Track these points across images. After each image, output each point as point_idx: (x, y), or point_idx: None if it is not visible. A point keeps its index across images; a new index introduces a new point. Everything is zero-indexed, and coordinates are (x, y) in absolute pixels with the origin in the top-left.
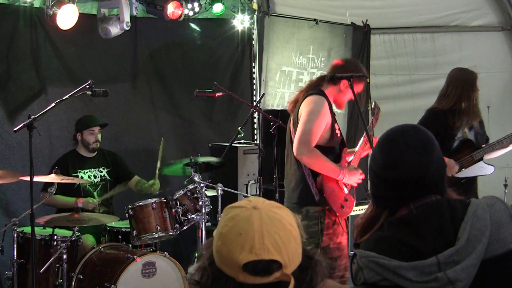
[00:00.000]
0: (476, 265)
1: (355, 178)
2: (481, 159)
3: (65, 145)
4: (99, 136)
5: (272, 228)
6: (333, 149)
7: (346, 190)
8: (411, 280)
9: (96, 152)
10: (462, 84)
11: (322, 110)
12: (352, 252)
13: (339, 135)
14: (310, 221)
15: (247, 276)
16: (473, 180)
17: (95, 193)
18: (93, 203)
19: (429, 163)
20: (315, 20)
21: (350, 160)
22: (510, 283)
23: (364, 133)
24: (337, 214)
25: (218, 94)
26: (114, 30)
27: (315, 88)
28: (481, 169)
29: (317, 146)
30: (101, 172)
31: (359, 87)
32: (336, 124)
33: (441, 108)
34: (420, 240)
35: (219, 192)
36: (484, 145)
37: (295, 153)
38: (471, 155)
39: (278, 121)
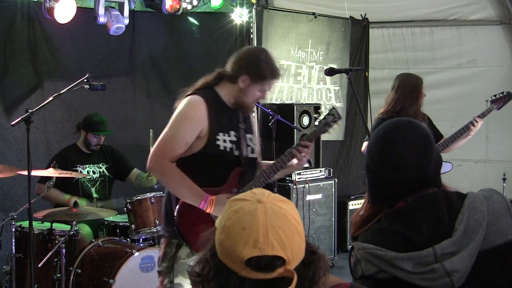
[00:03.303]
0: (473, 256)
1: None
2: None
3: (60, 140)
4: (102, 140)
5: (277, 223)
6: (209, 164)
7: None
8: (408, 271)
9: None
10: (408, 89)
11: (190, 113)
12: (351, 245)
13: (229, 149)
14: (169, 250)
15: (249, 271)
16: None
17: (93, 189)
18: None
19: (430, 162)
20: (313, 14)
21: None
22: (508, 274)
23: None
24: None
25: None
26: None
27: (206, 85)
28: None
29: (185, 159)
30: (100, 168)
31: (263, 86)
32: (229, 134)
33: (387, 114)
34: (416, 232)
35: None
36: (437, 144)
37: (147, 165)
38: None
39: (277, 115)
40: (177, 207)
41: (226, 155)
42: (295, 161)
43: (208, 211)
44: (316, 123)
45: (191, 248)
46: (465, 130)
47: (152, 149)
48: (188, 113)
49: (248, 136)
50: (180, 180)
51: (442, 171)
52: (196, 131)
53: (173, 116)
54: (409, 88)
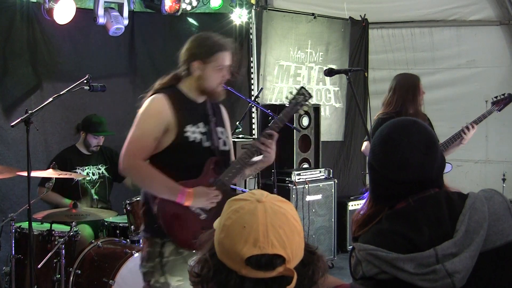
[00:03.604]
0: (474, 257)
1: (203, 200)
2: None
3: (59, 141)
4: (102, 141)
5: (277, 222)
6: (181, 157)
7: (203, 216)
8: (409, 272)
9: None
10: (406, 89)
11: (153, 109)
12: (351, 246)
13: (198, 139)
14: (153, 249)
15: (250, 270)
16: None
17: (92, 190)
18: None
19: (434, 162)
20: (313, 14)
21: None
22: (509, 275)
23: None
24: (190, 249)
25: None
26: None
27: (167, 84)
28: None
29: (157, 155)
30: (100, 169)
31: (216, 63)
32: (198, 126)
33: (388, 114)
34: (417, 233)
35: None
36: None
37: (119, 167)
38: None
39: (276, 116)
40: (156, 204)
41: (196, 146)
42: (258, 158)
43: (186, 204)
44: (287, 104)
45: (176, 243)
46: (456, 139)
47: (122, 151)
48: (151, 110)
49: (219, 129)
50: (154, 177)
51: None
52: (162, 125)
53: (137, 116)
54: (406, 87)
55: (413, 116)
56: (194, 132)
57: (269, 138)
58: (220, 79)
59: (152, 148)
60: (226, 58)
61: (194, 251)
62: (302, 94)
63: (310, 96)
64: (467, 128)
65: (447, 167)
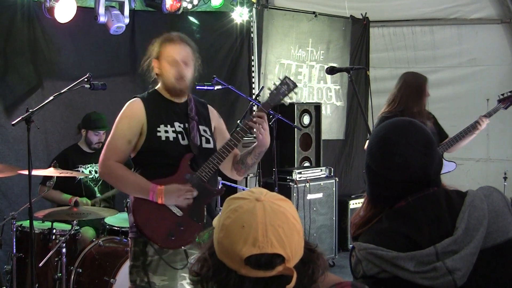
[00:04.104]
0: (474, 254)
1: (175, 196)
2: None
3: (60, 140)
4: (103, 138)
5: (276, 221)
6: (154, 156)
7: (179, 213)
8: (409, 271)
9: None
10: (412, 88)
11: (126, 112)
12: (351, 245)
13: (172, 138)
14: (137, 248)
15: (249, 270)
16: None
17: (96, 188)
18: (87, 203)
19: (432, 161)
20: (314, 13)
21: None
22: (510, 272)
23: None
24: (162, 245)
25: (217, 87)
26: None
27: (152, 87)
28: (443, 167)
29: (134, 159)
30: None
31: (164, 56)
32: (173, 125)
33: (391, 112)
34: (417, 231)
35: (219, 185)
36: (441, 143)
37: (98, 172)
38: None
39: (277, 114)
40: (131, 203)
41: (169, 144)
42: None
43: (159, 201)
44: (269, 93)
45: (152, 240)
46: (470, 130)
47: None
48: (124, 113)
49: (202, 127)
50: (126, 177)
51: (445, 170)
52: (136, 127)
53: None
54: (413, 87)
55: (417, 115)
56: (167, 131)
57: (258, 117)
58: (176, 73)
59: (126, 150)
60: (174, 51)
61: (178, 249)
62: (286, 83)
63: (295, 86)
64: (482, 120)
65: (451, 166)
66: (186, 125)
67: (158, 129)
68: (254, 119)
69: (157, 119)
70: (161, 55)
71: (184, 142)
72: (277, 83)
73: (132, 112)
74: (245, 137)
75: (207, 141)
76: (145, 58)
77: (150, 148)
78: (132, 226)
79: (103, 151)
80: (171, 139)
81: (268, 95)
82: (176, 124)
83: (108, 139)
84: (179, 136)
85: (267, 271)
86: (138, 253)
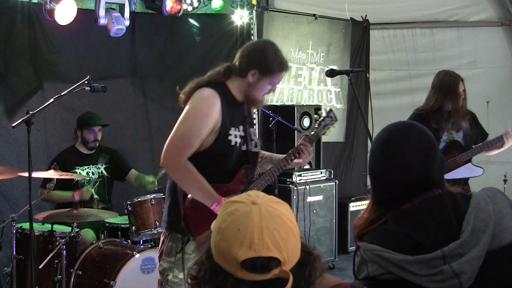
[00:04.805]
0: (481, 256)
1: None
2: (468, 160)
3: (60, 142)
4: (99, 136)
5: (272, 224)
6: (218, 160)
7: None
8: (415, 274)
9: (94, 149)
10: (445, 88)
11: (207, 108)
12: (352, 247)
13: (238, 144)
14: (175, 244)
15: (245, 273)
16: (464, 182)
17: (92, 190)
18: (88, 190)
19: (434, 162)
20: (314, 15)
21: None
22: None
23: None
24: None
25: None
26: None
27: (217, 79)
28: (469, 171)
29: (195, 155)
30: (99, 168)
31: (272, 79)
32: (239, 129)
33: (425, 110)
34: (423, 234)
35: None
36: (473, 147)
37: (160, 161)
38: (455, 158)
39: (278, 117)
40: (186, 202)
41: (235, 149)
42: (296, 160)
43: (217, 212)
44: (316, 125)
45: (195, 241)
46: (496, 142)
47: (166, 144)
48: (204, 109)
49: (252, 130)
50: (198, 181)
51: (473, 174)
52: (210, 128)
53: (187, 110)
54: (445, 88)
55: (451, 113)
56: (236, 136)
57: (306, 144)
58: (267, 92)
59: (196, 148)
60: (281, 78)
61: None
62: (330, 117)
63: (336, 120)
64: (509, 133)
65: (478, 171)
66: (244, 128)
67: (230, 132)
68: (302, 147)
69: (229, 120)
70: (268, 76)
71: (243, 148)
72: (323, 115)
73: (211, 111)
74: (293, 160)
75: (255, 145)
76: (247, 55)
77: (218, 151)
78: (172, 222)
79: (173, 143)
80: (238, 144)
81: (316, 126)
82: (241, 128)
83: (181, 131)
84: (241, 141)
85: (263, 274)
86: (175, 249)
